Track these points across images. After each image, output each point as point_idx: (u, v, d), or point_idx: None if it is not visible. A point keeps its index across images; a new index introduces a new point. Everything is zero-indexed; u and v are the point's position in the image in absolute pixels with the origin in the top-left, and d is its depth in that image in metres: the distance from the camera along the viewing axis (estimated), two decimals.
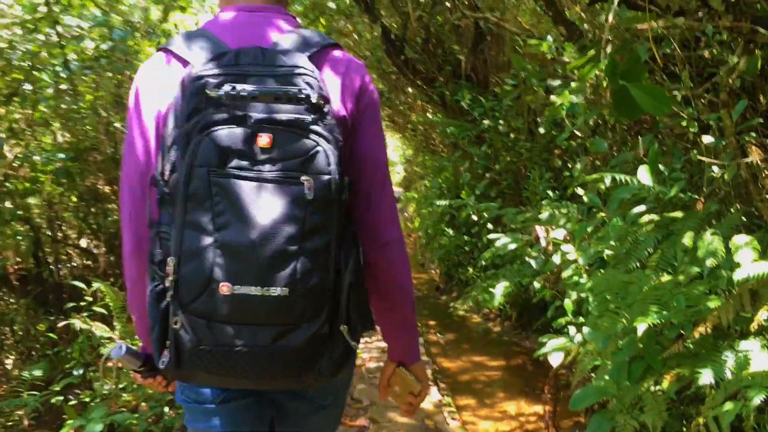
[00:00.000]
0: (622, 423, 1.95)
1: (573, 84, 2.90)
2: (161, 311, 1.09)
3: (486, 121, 5.96)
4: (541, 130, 5.21)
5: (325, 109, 1.11)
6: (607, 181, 2.71)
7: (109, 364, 3.40)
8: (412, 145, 11.92)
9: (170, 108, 1.14)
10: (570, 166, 5.50)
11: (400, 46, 7.63)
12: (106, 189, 7.72)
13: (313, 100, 1.08)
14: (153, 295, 1.10)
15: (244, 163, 1.06)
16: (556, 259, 3.31)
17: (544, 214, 3.67)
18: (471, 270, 6.30)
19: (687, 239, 2.01)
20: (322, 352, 1.13)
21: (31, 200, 6.57)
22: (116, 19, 5.49)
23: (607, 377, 2.12)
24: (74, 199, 7.57)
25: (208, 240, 1.04)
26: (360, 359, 4.15)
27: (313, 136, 1.08)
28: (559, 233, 3.32)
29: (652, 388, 1.97)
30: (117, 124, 6.15)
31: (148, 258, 1.12)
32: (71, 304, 4.37)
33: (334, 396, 1.39)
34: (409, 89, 9.88)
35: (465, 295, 6.34)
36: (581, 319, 3.19)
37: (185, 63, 1.17)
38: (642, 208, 2.63)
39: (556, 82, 3.26)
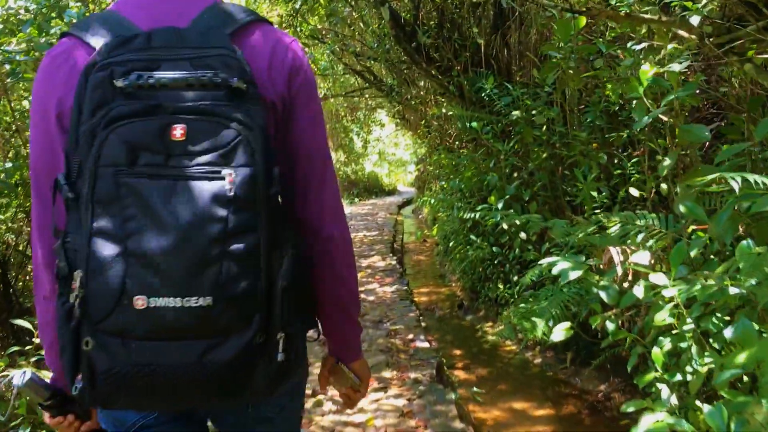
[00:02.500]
0: None
1: (670, 47, 1.98)
2: (71, 331, 0.96)
3: (516, 112, 5.04)
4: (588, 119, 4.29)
5: (249, 93, 1.00)
6: (736, 185, 1.79)
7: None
8: (425, 143, 10.98)
9: (73, 101, 1.01)
10: (615, 162, 4.60)
11: (411, 31, 6.79)
12: None
13: (233, 84, 0.98)
14: (62, 314, 0.97)
15: (158, 159, 0.95)
16: (638, 291, 2.40)
17: (614, 228, 2.76)
18: (501, 287, 5.38)
19: None
20: (257, 365, 1.00)
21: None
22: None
23: None
24: None
25: (117, 249, 0.93)
26: (373, 428, 3.21)
27: (233, 124, 0.96)
28: (642, 256, 2.39)
29: None
30: None
31: (54, 272, 0.99)
32: (15, 348, 3.65)
33: (280, 407, 1.26)
34: (422, 82, 9.00)
35: (500, 321, 5.42)
36: (677, 377, 2.29)
37: (90, 49, 1.04)
38: None
39: (639, 46, 2.36)
